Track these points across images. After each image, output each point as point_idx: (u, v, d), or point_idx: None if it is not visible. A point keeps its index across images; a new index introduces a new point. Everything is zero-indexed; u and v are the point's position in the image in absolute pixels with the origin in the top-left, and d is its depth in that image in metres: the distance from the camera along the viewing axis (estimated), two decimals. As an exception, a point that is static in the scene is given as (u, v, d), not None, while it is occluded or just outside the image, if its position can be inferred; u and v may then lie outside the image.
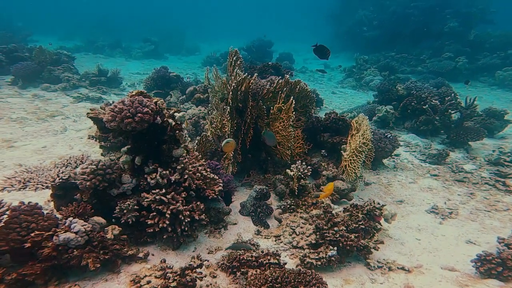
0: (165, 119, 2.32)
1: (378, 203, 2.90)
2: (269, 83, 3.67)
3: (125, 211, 2.29)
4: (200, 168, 2.56)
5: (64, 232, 1.95)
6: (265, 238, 2.79)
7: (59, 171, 2.40)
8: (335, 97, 9.74)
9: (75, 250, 1.97)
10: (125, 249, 2.24)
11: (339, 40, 18.21)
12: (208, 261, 2.40)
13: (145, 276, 2.07)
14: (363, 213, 2.77)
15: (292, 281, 2.01)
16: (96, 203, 2.36)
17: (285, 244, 2.72)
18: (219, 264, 2.39)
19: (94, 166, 2.24)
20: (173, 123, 2.35)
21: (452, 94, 5.76)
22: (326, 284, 2.07)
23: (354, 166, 3.45)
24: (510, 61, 12.19)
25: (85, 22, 20.23)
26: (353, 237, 2.44)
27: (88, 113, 2.24)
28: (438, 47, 13.62)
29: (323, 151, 3.91)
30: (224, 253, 2.53)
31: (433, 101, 5.57)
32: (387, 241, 2.95)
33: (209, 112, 3.84)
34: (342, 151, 3.69)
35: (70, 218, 2.00)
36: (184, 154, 2.47)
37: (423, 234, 3.18)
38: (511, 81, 11.20)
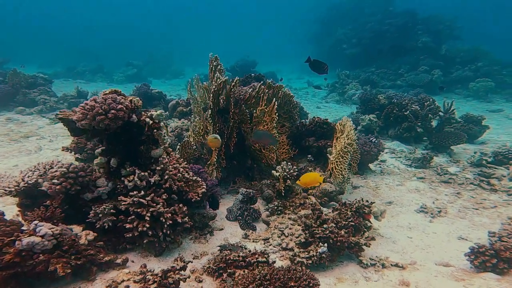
0: (142, 118, 2.24)
1: (367, 201, 2.84)
2: (251, 89, 3.66)
3: (100, 215, 2.13)
4: (181, 169, 2.45)
5: (28, 236, 1.78)
6: (253, 241, 2.66)
7: (25, 175, 2.23)
8: (319, 111, 9.87)
9: (41, 255, 1.79)
10: (101, 255, 2.07)
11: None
12: (192, 262, 2.24)
13: (123, 280, 1.89)
14: (352, 210, 2.69)
15: (282, 277, 1.88)
16: (68, 210, 2.19)
17: (274, 247, 2.59)
18: (205, 268, 2.23)
19: (64, 169, 2.11)
20: (151, 122, 2.26)
21: (431, 99, 5.92)
22: (317, 280, 1.94)
23: (341, 168, 3.41)
24: (481, 73, 12.80)
25: (66, 50, 20.16)
26: (343, 232, 2.35)
27: (57, 114, 2.12)
28: (414, 61, 14.23)
29: (309, 156, 3.86)
30: (210, 257, 2.38)
31: (413, 106, 5.69)
32: (379, 239, 2.87)
33: (192, 120, 3.77)
34: (328, 154, 3.66)
35: (36, 221, 1.83)
36: (164, 155, 2.36)
37: (414, 232, 3.11)
38: (484, 91, 11.70)
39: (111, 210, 2.17)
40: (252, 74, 5.26)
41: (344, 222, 2.51)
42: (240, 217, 2.81)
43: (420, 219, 3.37)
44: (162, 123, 2.28)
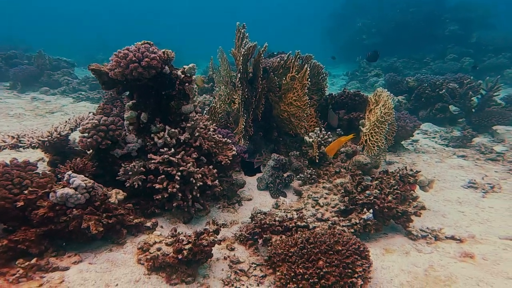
0: (173, 71, 2.09)
1: (411, 169, 2.59)
2: (279, 59, 3.46)
3: (130, 173, 2.01)
4: (211, 129, 2.30)
5: (62, 188, 1.67)
6: (284, 212, 2.47)
7: (58, 127, 2.15)
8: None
9: (74, 210, 1.68)
10: (131, 217, 1.95)
11: (338, 52, 18.17)
12: (224, 225, 2.09)
13: (155, 242, 1.76)
14: (396, 179, 2.45)
15: (327, 240, 1.69)
16: (97, 168, 2.08)
17: (309, 218, 2.38)
18: (237, 236, 2.07)
19: (96, 121, 1.99)
20: (182, 75, 2.11)
21: (471, 77, 5.50)
22: (365, 245, 1.74)
23: (376, 139, 3.16)
24: (518, 61, 11.98)
25: (84, 42, 20.34)
26: (390, 198, 2.12)
27: (89, 65, 2.01)
28: (440, 50, 13.53)
29: (339, 130, 3.62)
30: (241, 225, 2.22)
31: (450, 85, 5.31)
32: (425, 212, 2.60)
33: (217, 90, 3.62)
34: (360, 127, 3.42)
35: (69, 172, 1.72)
36: (194, 113, 2.21)
37: (466, 207, 2.81)
38: (522, 78, 10.95)
39: (141, 168, 2.04)
40: (275, 52, 5.05)
41: (388, 190, 2.28)
42: (272, 185, 2.63)
43: (470, 194, 3.06)
44: (193, 77, 2.13)
